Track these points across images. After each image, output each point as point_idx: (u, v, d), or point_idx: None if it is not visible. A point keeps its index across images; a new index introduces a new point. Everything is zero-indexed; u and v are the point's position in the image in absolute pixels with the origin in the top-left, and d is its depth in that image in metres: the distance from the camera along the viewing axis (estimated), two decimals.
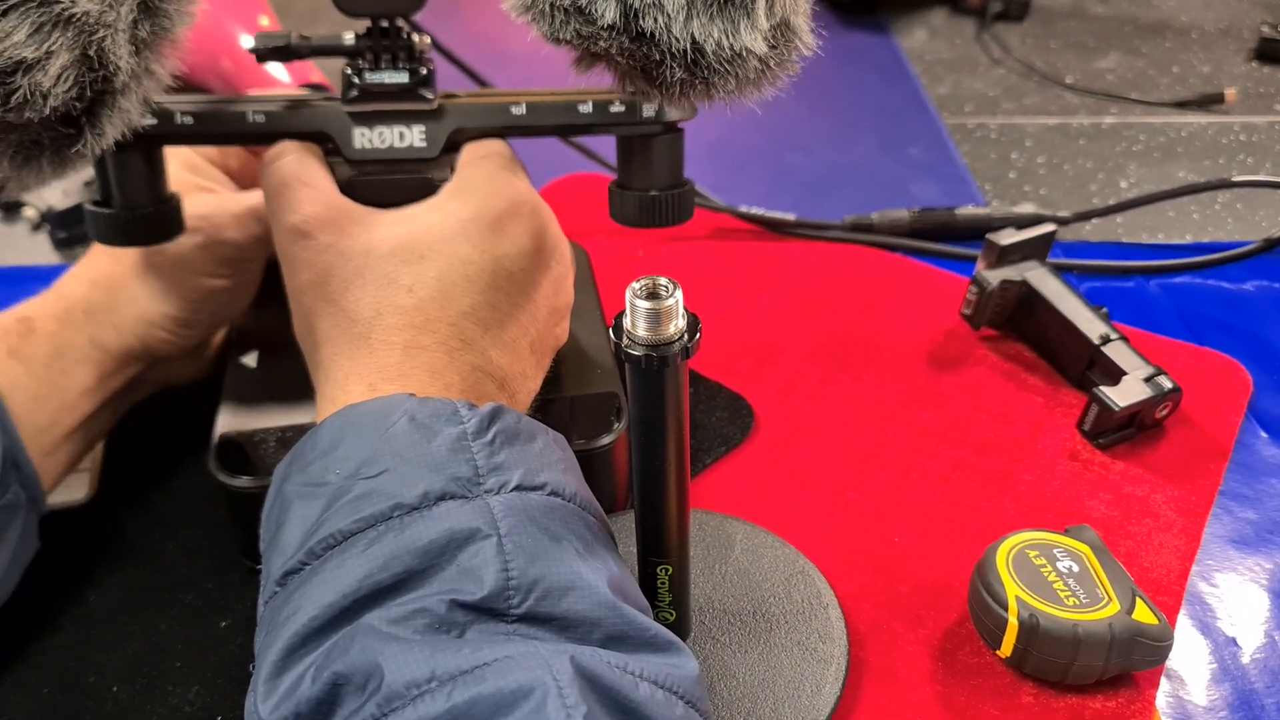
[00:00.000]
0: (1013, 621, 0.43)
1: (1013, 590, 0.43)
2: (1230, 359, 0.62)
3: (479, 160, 0.43)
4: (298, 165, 0.42)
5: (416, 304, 0.38)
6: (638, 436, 0.36)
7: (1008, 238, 0.61)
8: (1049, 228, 0.62)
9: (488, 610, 0.30)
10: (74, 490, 0.53)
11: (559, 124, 0.44)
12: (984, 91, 0.97)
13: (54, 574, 0.49)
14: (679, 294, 0.33)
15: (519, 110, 0.44)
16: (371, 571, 0.30)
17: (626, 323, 0.33)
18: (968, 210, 0.73)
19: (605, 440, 0.47)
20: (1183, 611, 0.48)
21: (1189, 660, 0.46)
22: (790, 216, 0.74)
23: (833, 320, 0.66)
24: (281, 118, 0.43)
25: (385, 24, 0.43)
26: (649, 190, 0.45)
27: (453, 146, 0.44)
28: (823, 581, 0.47)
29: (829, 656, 0.44)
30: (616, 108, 0.44)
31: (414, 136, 0.43)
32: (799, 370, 0.62)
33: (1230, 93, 0.94)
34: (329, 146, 0.44)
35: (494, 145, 0.44)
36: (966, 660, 0.45)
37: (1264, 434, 0.57)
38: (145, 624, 0.47)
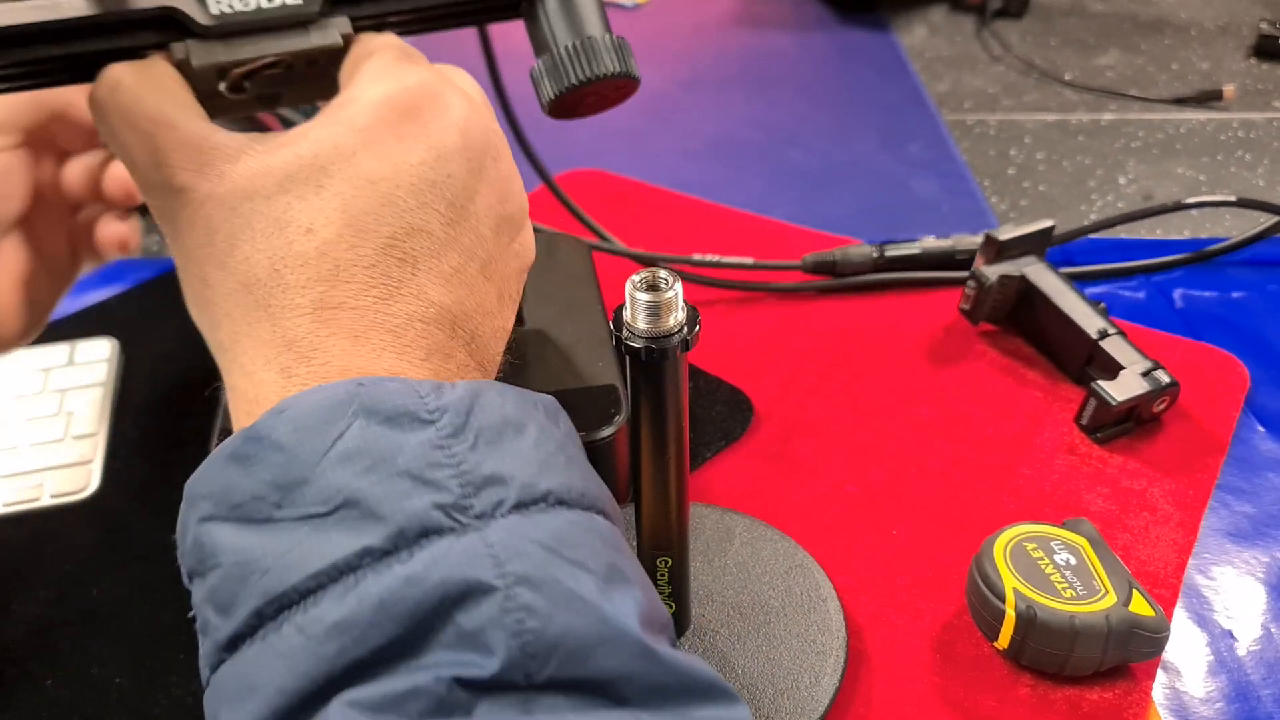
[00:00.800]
0: (1010, 613, 0.43)
1: (1010, 582, 0.44)
2: (1228, 354, 0.62)
3: (368, 58, 0.35)
4: (142, 95, 0.32)
5: (319, 248, 0.30)
6: (637, 429, 0.36)
7: (1007, 233, 0.61)
8: (1047, 223, 0.62)
9: (500, 687, 0.24)
10: (78, 484, 0.53)
11: None
12: (983, 88, 0.97)
13: (57, 567, 0.49)
14: (679, 287, 0.33)
15: None
16: (345, 646, 0.23)
17: (626, 315, 0.33)
18: (930, 241, 0.69)
19: (605, 433, 0.48)
20: (1179, 604, 0.48)
21: (1186, 652, 0.46)
22: (747, 260, 0.69)
23: (832, 315, 0.66)
24: None
25: None
26: (585, 35, 0.37)
27: (333, 5, 0.36)
28: (821, 574, 0.47)
29: (828, 649, 0.44)
30: None
31: None
32: (798, 365, 0.62)
33: (1229, 89, 0.94)
34: (175, 30, 0.35)
35: (382, 38, 0.36)
36: (964, 652, 0.45)
37: (1261, 428, 0.58)
38: (148, 616, 0.47)
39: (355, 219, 0.30)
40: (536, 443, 0.28)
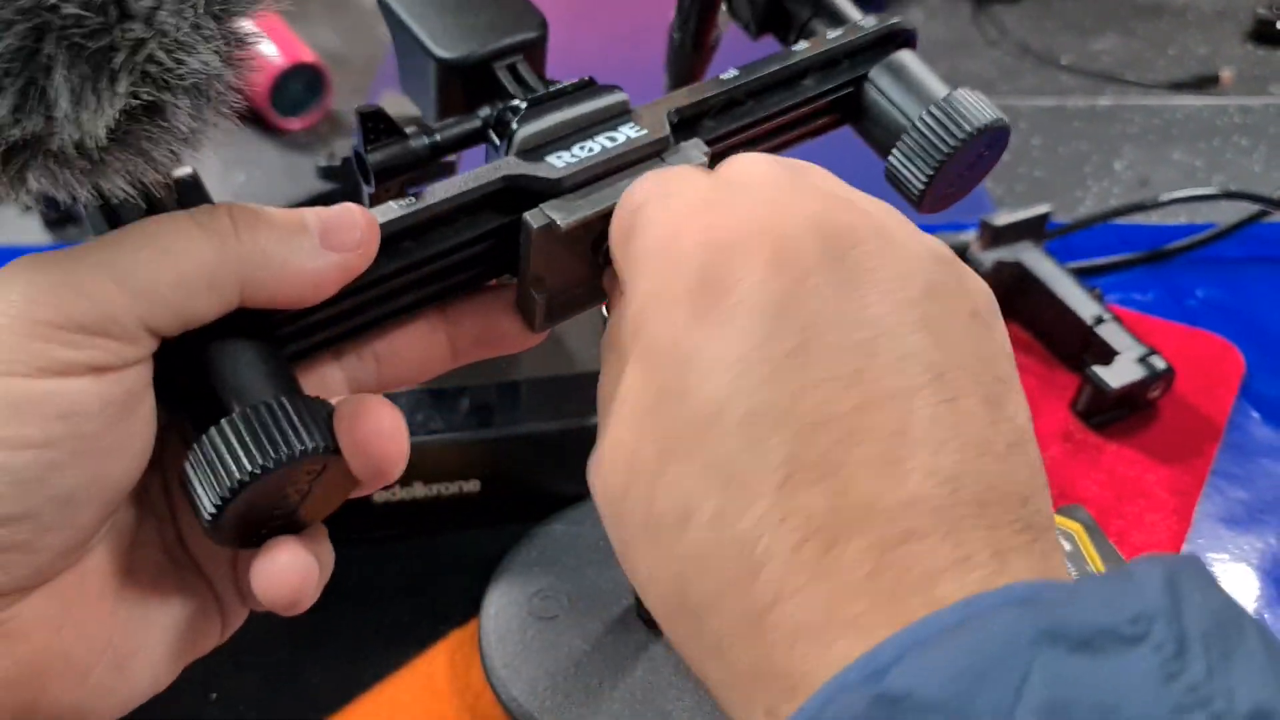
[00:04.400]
0: None
1: None
2: (1223, 340, 0.62)
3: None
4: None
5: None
6: None
7: (1003, 219, 0.61)
8: (1044, 209, 0.62)
9: None
10: None
11: (779, 77, 0.33)
12: (980, 72, 0.97)
13: None
14: None
15: (730, 74, 0.32)
16: None
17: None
18: None
19: None
20: None
21: None
22: None
23: None
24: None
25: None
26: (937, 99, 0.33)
27: (681, 131, 0.31)
28: None
29: None
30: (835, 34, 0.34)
31: (627, 132, 0.29)
32: None
33: (1226, 74, 0.94)
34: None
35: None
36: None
37: (1256, 414, 0.58)
38: None
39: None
40: (1266, 643, 0.18)
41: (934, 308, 0.22)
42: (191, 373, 0.25)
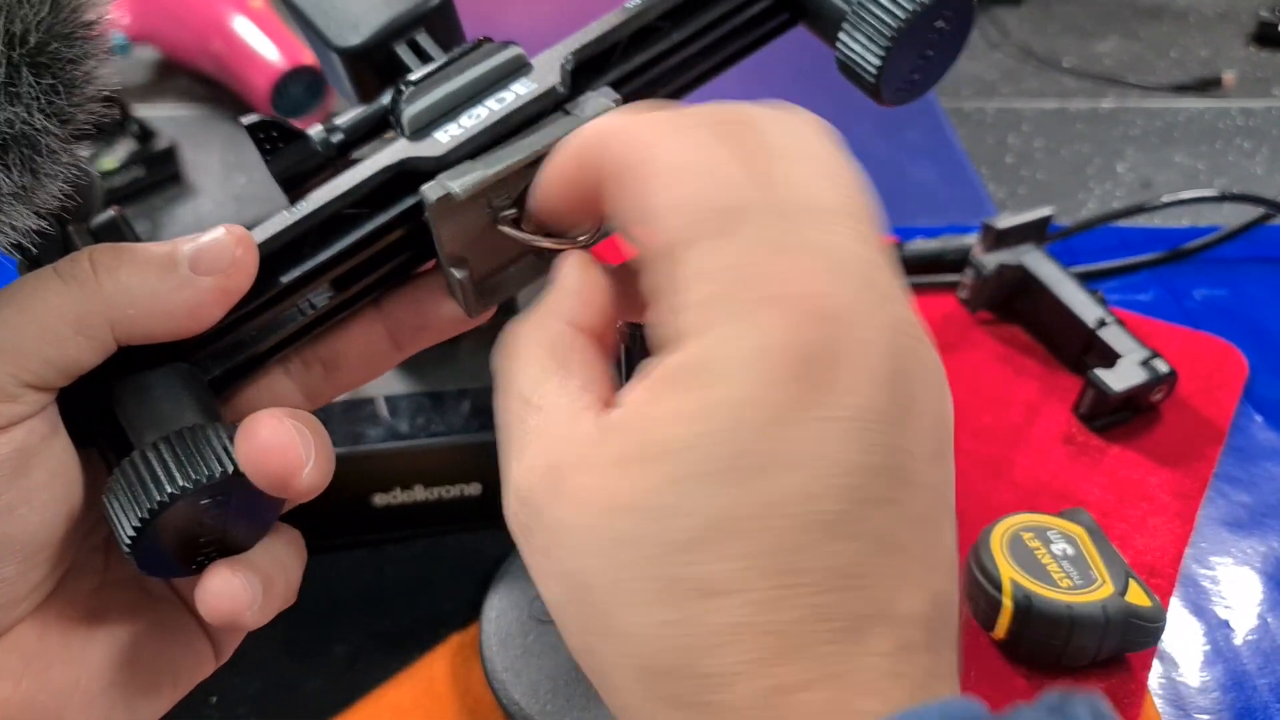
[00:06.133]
0: (1007, 603, 0.43)
1: (1007, 572, 0.43)
2: (1226, 343, 0.62)
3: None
4: (533, 347, 0.24)
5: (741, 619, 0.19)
6: None
7: (1005, 221, 0.61)
8: (1046, 211, 0.62)
9: None
10: None
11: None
12: (981, 75, 0.96)
13: None
14: None
15: (635, 2, 0.29)
16: None
17: None
18: (917, 244, 0.66)
19: None
20: (1176, 594, 0.48)
21: (1182, 642, 0.46)
22: None
23: None
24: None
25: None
26: None
27: (583, 79, 0.28)
28: None
29: None
30: None
31: (516, 90, 0.27)
32: None
33: (1228, 77, 0.93)
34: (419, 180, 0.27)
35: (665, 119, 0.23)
36: (961, 642, 0.45)
37: (1259, 417, 0.58)
38: None
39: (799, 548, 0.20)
40: None
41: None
42: (101, 412, 0.25)
